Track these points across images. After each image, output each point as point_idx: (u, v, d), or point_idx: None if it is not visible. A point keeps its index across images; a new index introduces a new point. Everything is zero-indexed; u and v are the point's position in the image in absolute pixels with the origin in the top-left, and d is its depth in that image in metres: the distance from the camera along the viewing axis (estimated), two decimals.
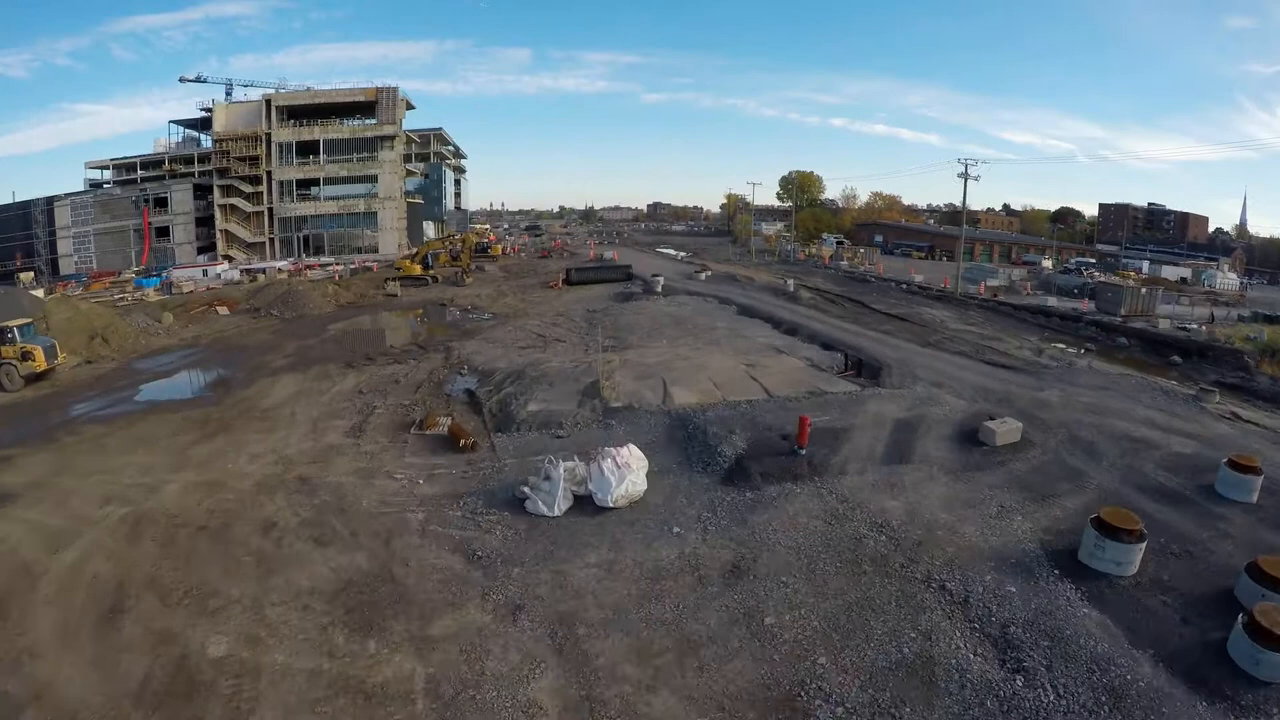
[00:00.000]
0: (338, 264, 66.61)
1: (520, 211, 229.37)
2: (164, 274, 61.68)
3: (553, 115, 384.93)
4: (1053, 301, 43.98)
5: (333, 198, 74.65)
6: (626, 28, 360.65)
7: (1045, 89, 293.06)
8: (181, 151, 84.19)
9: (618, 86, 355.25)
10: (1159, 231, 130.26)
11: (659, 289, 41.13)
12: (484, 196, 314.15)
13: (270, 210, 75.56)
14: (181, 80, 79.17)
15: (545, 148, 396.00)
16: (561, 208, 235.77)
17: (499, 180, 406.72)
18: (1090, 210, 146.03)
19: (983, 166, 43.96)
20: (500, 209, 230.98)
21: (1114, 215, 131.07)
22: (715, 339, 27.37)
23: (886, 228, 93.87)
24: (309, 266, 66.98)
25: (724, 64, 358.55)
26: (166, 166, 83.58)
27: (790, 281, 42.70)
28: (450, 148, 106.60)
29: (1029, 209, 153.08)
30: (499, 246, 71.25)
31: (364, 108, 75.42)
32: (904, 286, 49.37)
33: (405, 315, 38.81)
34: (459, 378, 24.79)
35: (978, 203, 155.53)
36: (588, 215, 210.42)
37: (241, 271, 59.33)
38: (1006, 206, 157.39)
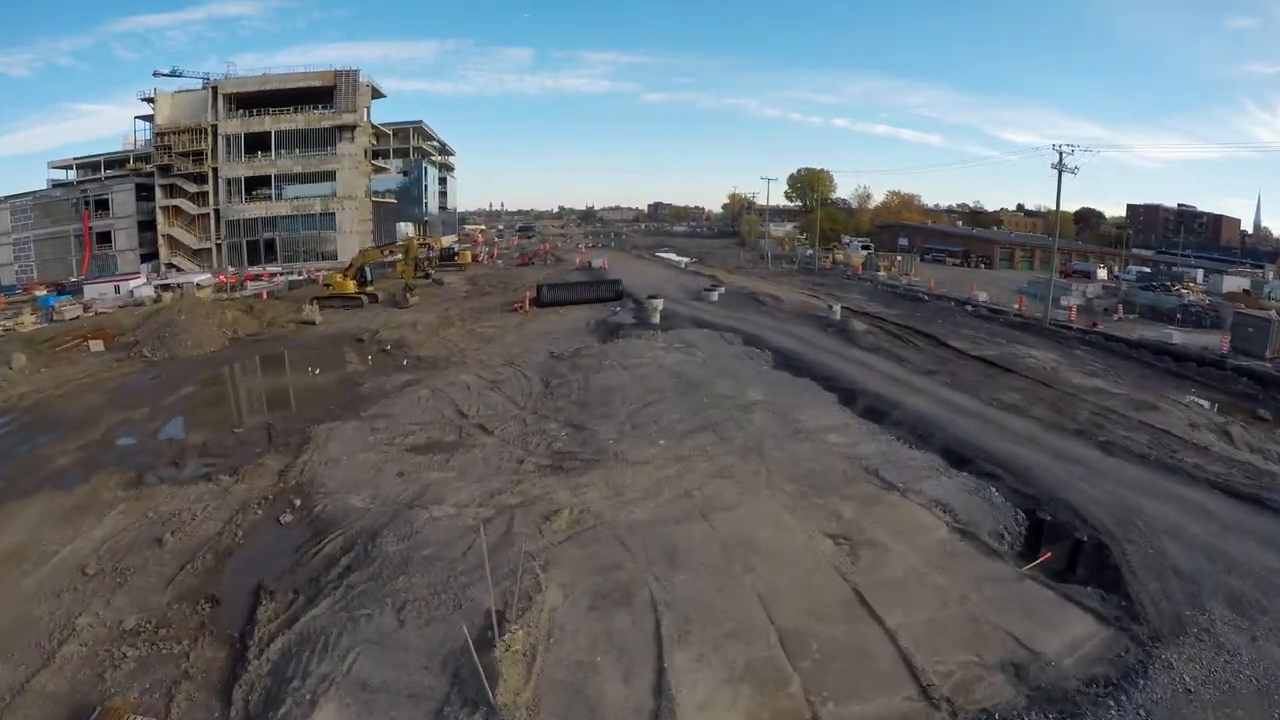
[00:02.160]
0: (282, 274, 54.76)
1: (519, 212, 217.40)
2: (82, 289, 49.96)
3: (554, 115, 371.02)
4: (1177, 337, 31.71)
5: (285, 198, 62.54)
6: (629, 28, 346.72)
7: (1045, 88, 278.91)
8: (146, 149, 72.22)
9: (620, 86, 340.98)
10: (1191, 234, 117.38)
11: (656, 318, 28.99)
12: (484, 196, 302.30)
13: (217, 212, 63.60)
14: (156, 74, 67.04)
15: (546, 148, 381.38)
16: (561, 208, 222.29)
17: (500, 180, 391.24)
18: (1110, 211, 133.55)
19: (1080, 156, 31.57)
20: (500, 209, 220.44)
21: (1144, 216, 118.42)
22: (752, 436, 15.16)
23: (911, 229, 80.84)
24: (253, 277, 55.19)
25: (726, 64, 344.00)
26: (130, 165, 71.80)
27: (836, 307, 30.37)
28: (434, 143, 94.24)
29: (1041, 208, 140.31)
30: (467, 253, 58.29)
31: (323, 95, 63.18)
32: (969, 308, 37.13)
33: (297, 360, 26.66)
34: (276, 527, 12.80)
35: (992, 203, 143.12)
36: (587, 215, 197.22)
37: (155, 287, 47.16)
38: (1021, 206, 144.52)
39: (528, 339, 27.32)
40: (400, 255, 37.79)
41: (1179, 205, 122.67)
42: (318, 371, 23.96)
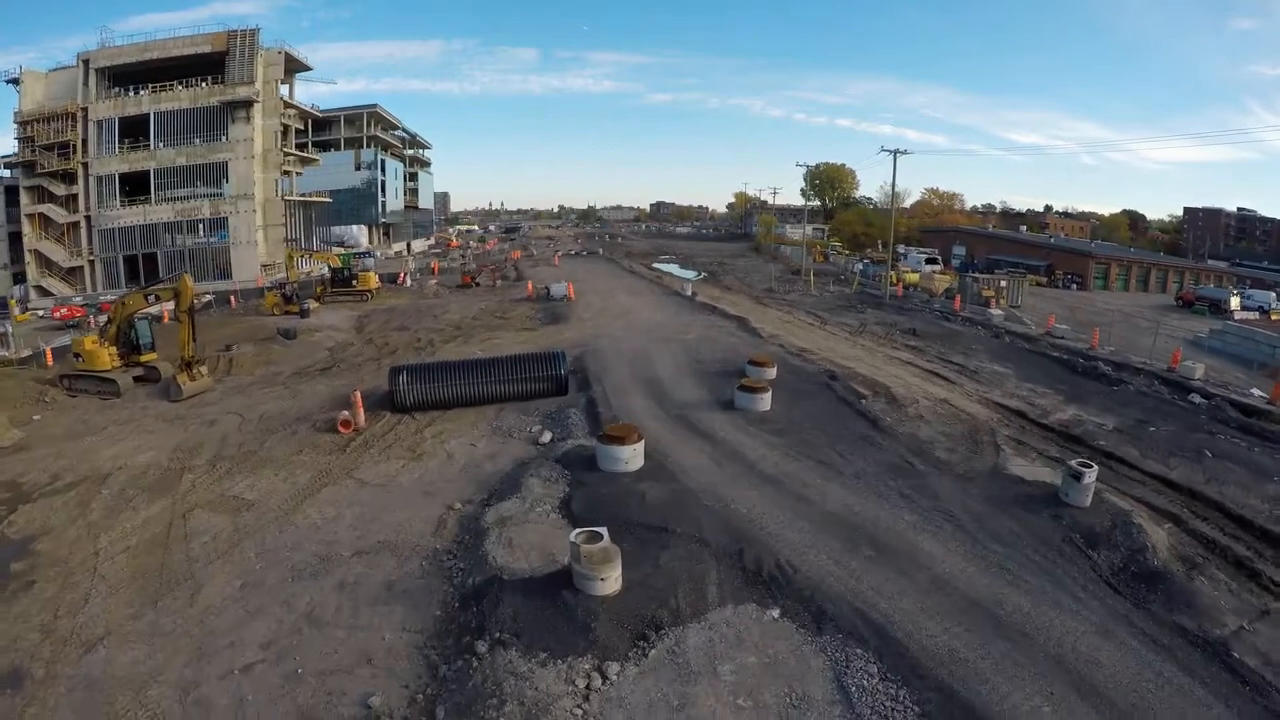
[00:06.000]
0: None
1: (519, 211, 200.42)
2: None
3: (558, 115, 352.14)
4: None
5: (166, 199, 45.19)
6: (632, 29, 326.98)
7: (1048, 89, 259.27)
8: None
9: (624, 86, 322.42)
10: (1253, 241, 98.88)
11: (614, 583, 8.78)
12: (484, 196, 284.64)
13: (88, 219, 46.32)
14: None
15: (549, 147, 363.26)
16: (561, 207, 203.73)
17: (502, 179, 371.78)
18: (1151, 214, 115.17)
19: None
20: (499, 208, 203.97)
21: (1203, 221, 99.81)
22: None
23: (968, 235, 62.02)
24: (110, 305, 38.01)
25: (730, 65, 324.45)
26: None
27: (1087, 479, 11.46)
28: (399, 133, 76.44)
29: (1072, 210, 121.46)
30: (371, 276, 38.17)
31: (216, 66, 45.60)
32: (1198, 400, 19.44)
33: None
34: None
35: (1018, 204, 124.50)
36: (587, 215, 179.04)
37: None
38: (1049, 207, 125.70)
39: (257, 607, 9.65)
40: (291, 287, 20.02)
41: (1239, 209, 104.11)
42: None
